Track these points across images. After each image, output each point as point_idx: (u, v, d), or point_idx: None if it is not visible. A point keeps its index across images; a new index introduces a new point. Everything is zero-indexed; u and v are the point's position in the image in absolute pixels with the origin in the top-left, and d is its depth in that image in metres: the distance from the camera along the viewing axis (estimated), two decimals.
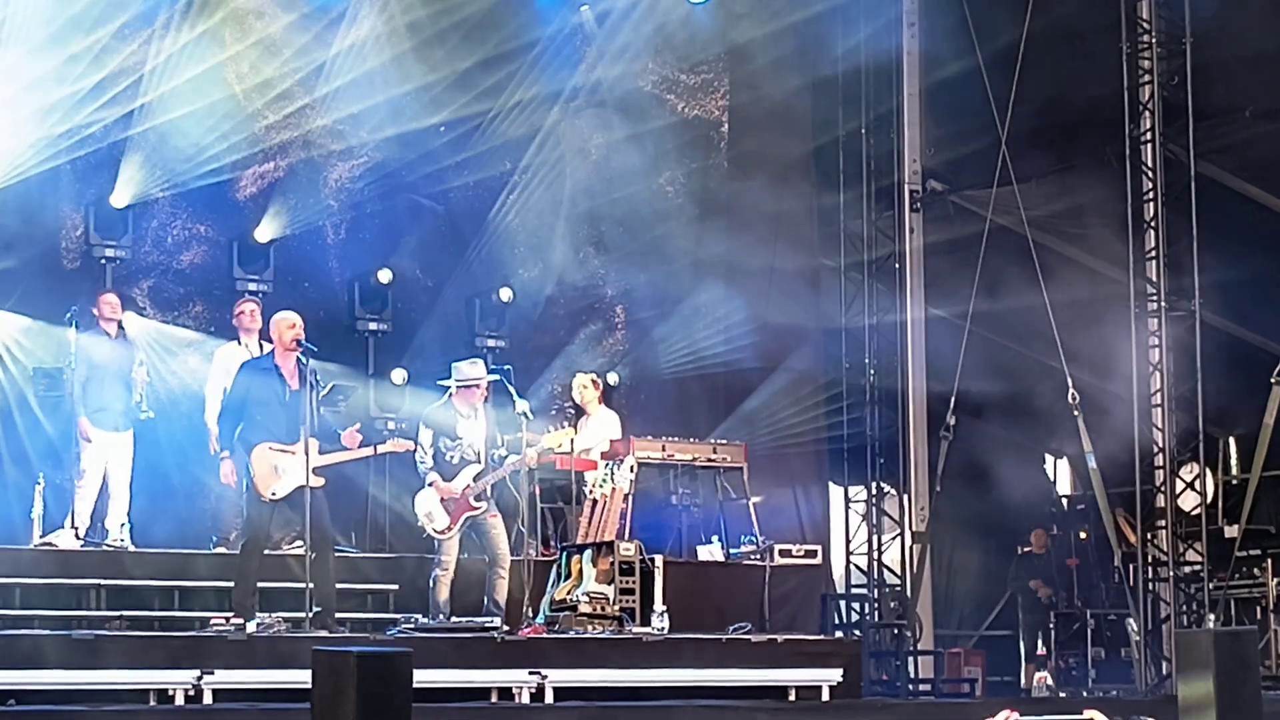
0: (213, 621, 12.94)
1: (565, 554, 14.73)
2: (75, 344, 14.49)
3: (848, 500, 19.37)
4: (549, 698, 12.82)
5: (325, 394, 13.39)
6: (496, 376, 14.43)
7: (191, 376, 16.06)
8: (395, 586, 14.74)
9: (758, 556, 15.86)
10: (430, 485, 13.94)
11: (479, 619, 13.60)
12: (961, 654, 19.16)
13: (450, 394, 14.17)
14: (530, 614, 14.01)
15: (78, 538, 14.28)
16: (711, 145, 19.58)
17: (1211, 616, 17.27)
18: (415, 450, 13.99)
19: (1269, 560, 17.58)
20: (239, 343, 15.15)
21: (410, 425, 14.84)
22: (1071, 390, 17.59)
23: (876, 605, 18.56)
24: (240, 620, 12.69)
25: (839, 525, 19.56)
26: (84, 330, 14.60)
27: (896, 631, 18.14)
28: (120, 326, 14.96)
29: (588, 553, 14.45)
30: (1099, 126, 18.97)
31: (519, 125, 18.24)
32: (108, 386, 14.61)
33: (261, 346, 14.85)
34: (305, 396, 12.90)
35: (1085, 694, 17.30)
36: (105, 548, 14.37)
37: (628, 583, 14.20)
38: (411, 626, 13.36)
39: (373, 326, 17.65)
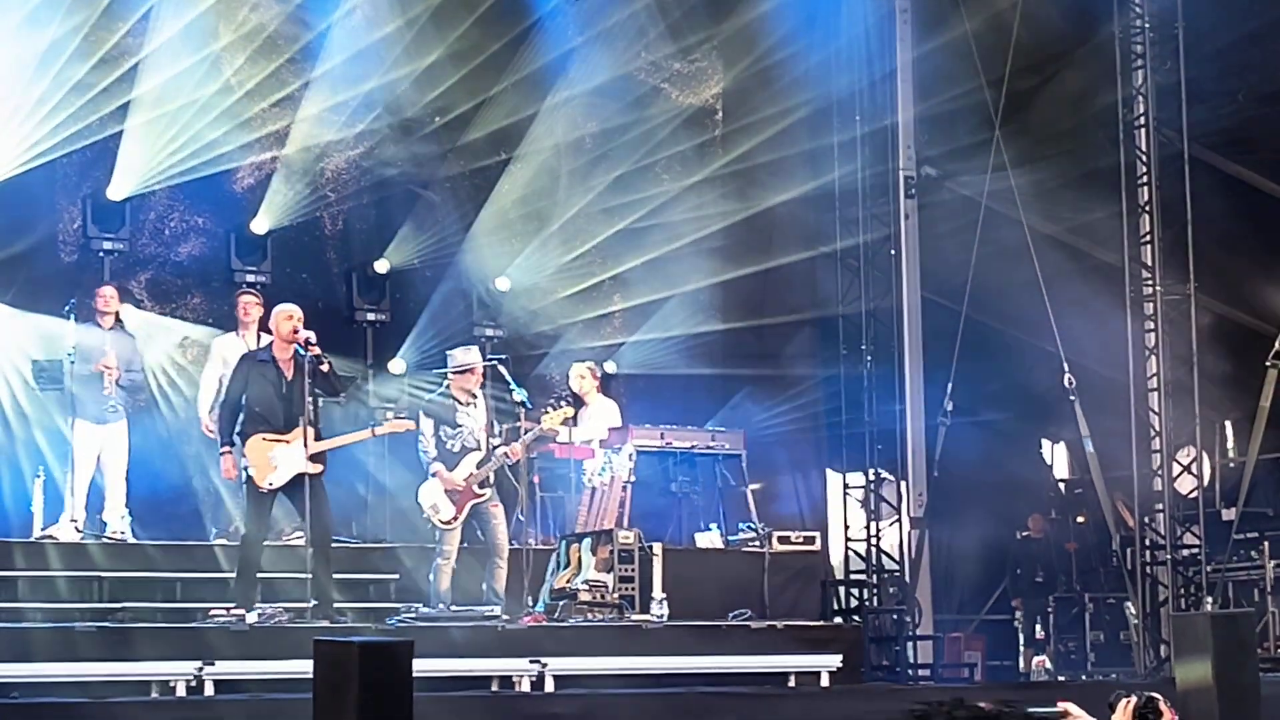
0: (213, 612, 12.98)
1: (564, 542, 14.75)
2: (74, 337, 14.52)
3: (846, 487, 19.37)
4: (549, 686, 12.86)
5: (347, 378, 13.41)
6: (493, 362, 14.48)
7: (191, 369, 16.08)
8: (395, 576, 14.78)
9: (757, 543, 15.87)
10: (434, 475, 13.95)
11: (479, 608, 13.64)
12: (961, 639, 19.18)
13: (447, 382, 14.20)
14: (530, 602, 14.04)
15: (77, 530, 14.30)
16: (706, 132, 19.59)
17: (1209, 599, 17.30)
18: (418, 438, 14.02)
19: (1266, 543, 17.58)
20: (237, 334, 15.20)
21: (409, 415, 14.88)
22: (1068, 374, 17.62)
23: (876, 591, 18.58)
24: (241, 611, 12.72)
25: (837, 512, 19.56)
26: (82, 323, 14.63)
27: (896, 617, 18.17)
28: (117, 319, 14.97)
29: (587, 541, 14.48)
30: (1092, 110, 18.97)
31: (513, 112, 18.25)
32: (95, 379, 14.59)
33: (259, 338, 14.89)
34: (302, 386, 12.93)
35: (1084, 677, 17.34)
36: (106, 540, 14.39)
37: (627, 570, 14.24)
38: (412, 616, 13.40)
39: (371, 317, 17.70)
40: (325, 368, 13.04)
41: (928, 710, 4.18)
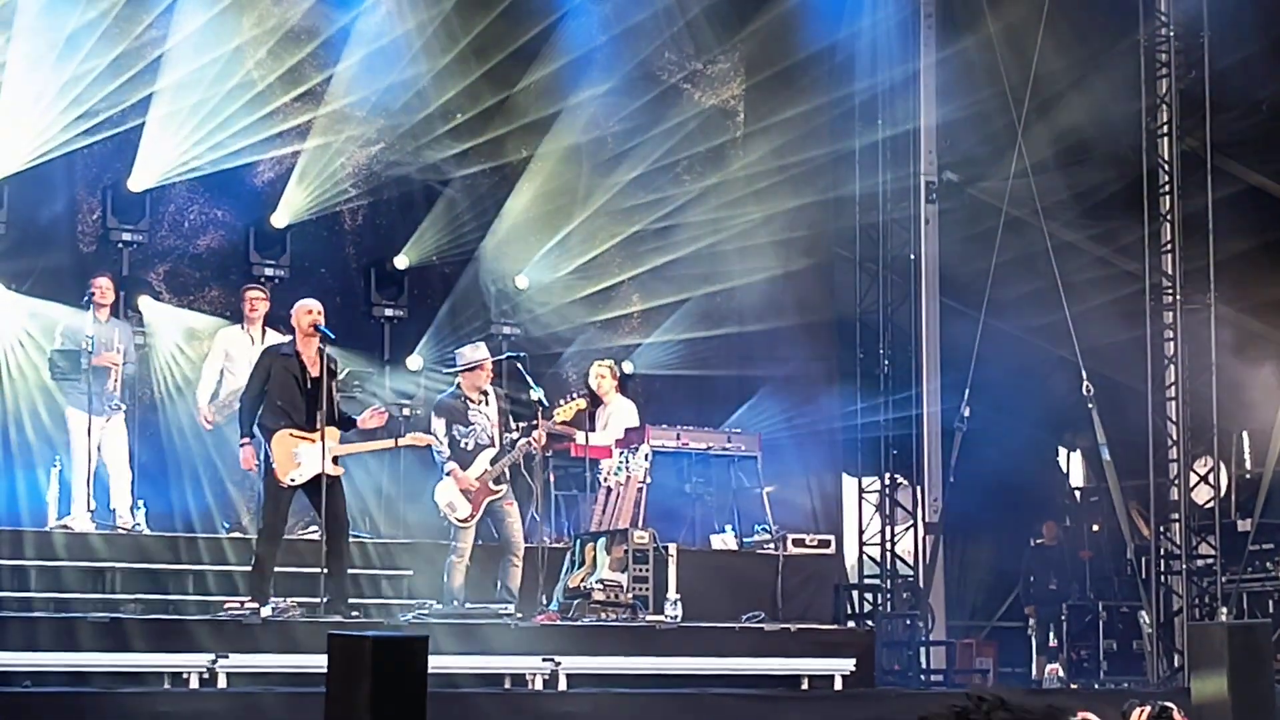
0: (227, 605, 12.98)
1: (579, 541, 14.73)
2: (91, 328, 14.52)
3: (861, 490, 19.36)
4: (562, 685, 12.85)
5: (341, 378, 13.43)
6: (509, 358, 14.47)
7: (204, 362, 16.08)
8: (409, 572, 14.76)
9: (771, 546, 15.86)
10: (448, 474, 13.93)
11: (493, 605, 13.63)
12: (973, 645, 19.18)
13: (458, 381, 14.17)
14: (544, 601, 14.03)
15: (91, 520, 14.30)
16: (727, 134, 19.55)
17: (1224, 610, 17.27)
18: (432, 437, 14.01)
19: None
20: (242, 328, 15.19)
21: (426, 412, 14.87)
22: (1086, 382, 17.59)
23: (889, 595, 18.56)
24: (255, 604, 12.72)
25: (852, 515, 19.55)
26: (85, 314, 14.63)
27: (909, 622, 18.15)
28: (113, 311, 14.96)
29: (602, 540, 14.46)
30: (1116, 119, 18.94)
31: (535, 110, 18.23)
32: (95, 371, 14.55)
33: (264, 333, 14.89)
34: (325, 383, 12.92)
35: (1097, 686, 17.31)
36: (118, 531, 14.38)
37: (641, 571, 14.21)
38: (425, 612, 13.39)
39: (389, 313, 17.66)
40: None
41: (968, 708, 4.17)
